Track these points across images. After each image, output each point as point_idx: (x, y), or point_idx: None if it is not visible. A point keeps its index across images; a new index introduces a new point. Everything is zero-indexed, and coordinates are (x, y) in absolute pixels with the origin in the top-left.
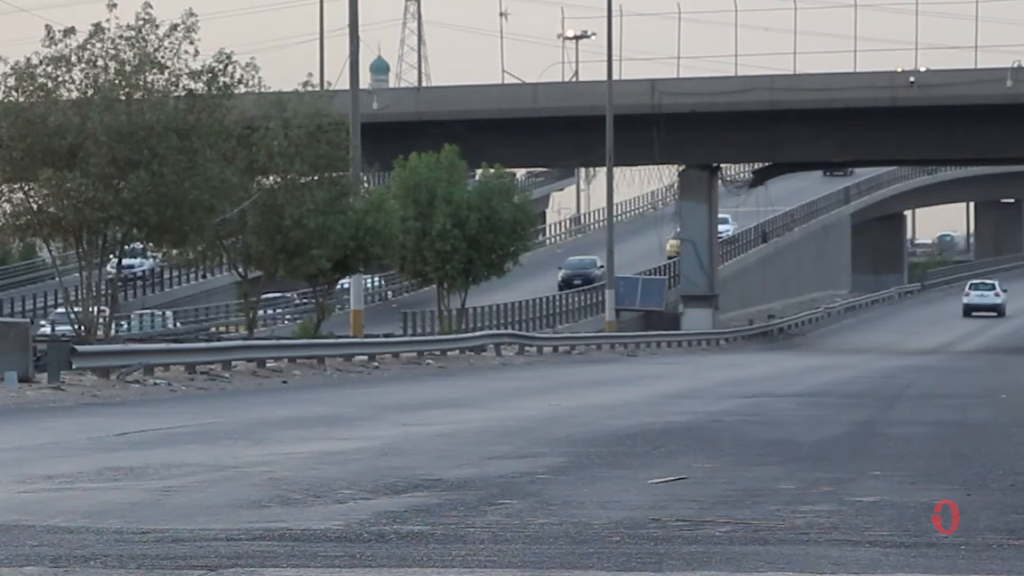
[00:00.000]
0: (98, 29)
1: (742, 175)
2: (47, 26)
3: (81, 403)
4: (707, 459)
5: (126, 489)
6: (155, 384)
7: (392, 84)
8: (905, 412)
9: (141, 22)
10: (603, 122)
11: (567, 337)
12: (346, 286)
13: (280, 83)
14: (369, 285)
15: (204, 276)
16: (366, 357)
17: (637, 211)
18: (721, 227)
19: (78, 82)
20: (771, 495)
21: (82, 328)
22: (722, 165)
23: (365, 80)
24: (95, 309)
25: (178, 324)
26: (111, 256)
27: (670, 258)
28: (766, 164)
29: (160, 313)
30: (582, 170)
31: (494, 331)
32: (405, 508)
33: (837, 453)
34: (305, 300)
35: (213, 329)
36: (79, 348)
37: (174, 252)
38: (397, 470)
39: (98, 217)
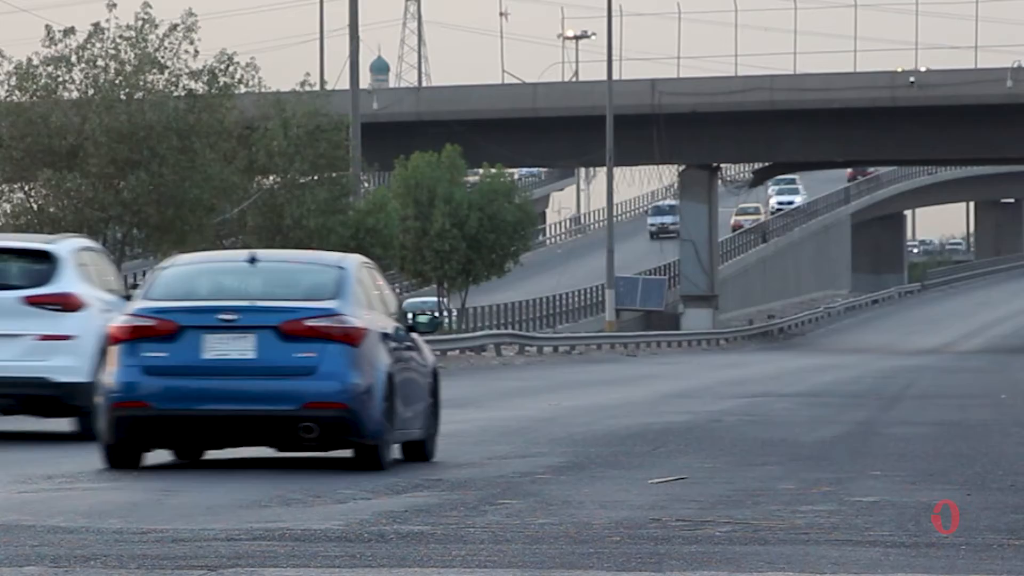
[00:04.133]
0: (97, 29)
1: (742, 175)
2: (47, 26)
3: None
4: (707, 459)
5: (126, 489)
6: None
7: (392, 84)
8: (905, 412)
9: (141, 22)
10: (603, 122)
11: (567, 337)
12: None
13: (280, 83)
14: None
15: None
16: None
17: (637, 211)
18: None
19: (78, 82)
20: (771, 495)
21: None
22: (722, 165)
23: (365, 80)
24: None
25: None
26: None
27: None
28: (766, 164)
29: None
30: (582, 170)
31: (494, 331)
32: (405, 508)
33: (837, 453)
34: None
35: None
36: None
37: (174, 252)
38: (397, 470)
39: (98, 217)
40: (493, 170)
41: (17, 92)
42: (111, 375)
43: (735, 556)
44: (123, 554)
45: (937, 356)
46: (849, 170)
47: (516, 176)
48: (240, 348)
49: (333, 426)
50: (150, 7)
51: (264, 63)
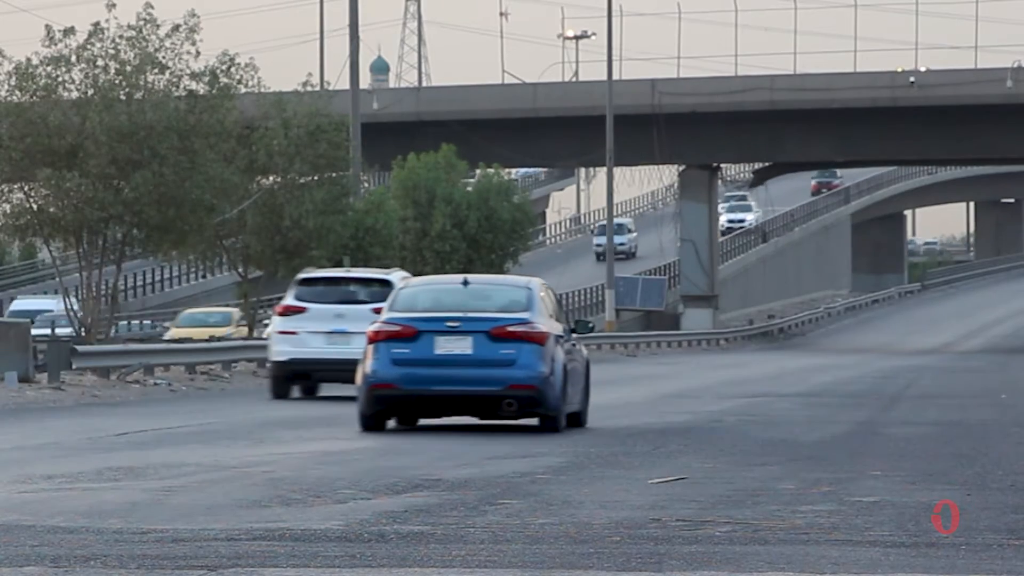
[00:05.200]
0: (97, 29)
1: (742, 175)
2: (47, 26)
3: (81, 403)
4: (707, 459)
5: (126, 489)
6: (155, 384)
7: (392, 84)
8: (905, 412)
9: (142, 22)
10: (603, 122)
11: None
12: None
13: (280, 83)
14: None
15: (204, 276)
16: None
17: (637, 211)
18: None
19: (78, 82)
20: (771, 495)
21: (82, 328)
22: (722, 165)
23: (365, 80)
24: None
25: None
26: (111, 256)
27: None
28: (766, 164)
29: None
30: (582, 170)
31: None
32: (405, 508)
33: (837, 453)
34: None
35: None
36: (79, 348)
37: (174, 252)
38: (397, 470)
39: (98, 217)
40: (490, 170)
41: (17, 92)
42: (369, 366)
43: (735, 556)
44: (123, 554)
45: (937, 356)
46: (813, 183)
47: (514, 176)
48: (461, 346)
49: (527, 402)
50: (151, 7)
51: (264, 63)
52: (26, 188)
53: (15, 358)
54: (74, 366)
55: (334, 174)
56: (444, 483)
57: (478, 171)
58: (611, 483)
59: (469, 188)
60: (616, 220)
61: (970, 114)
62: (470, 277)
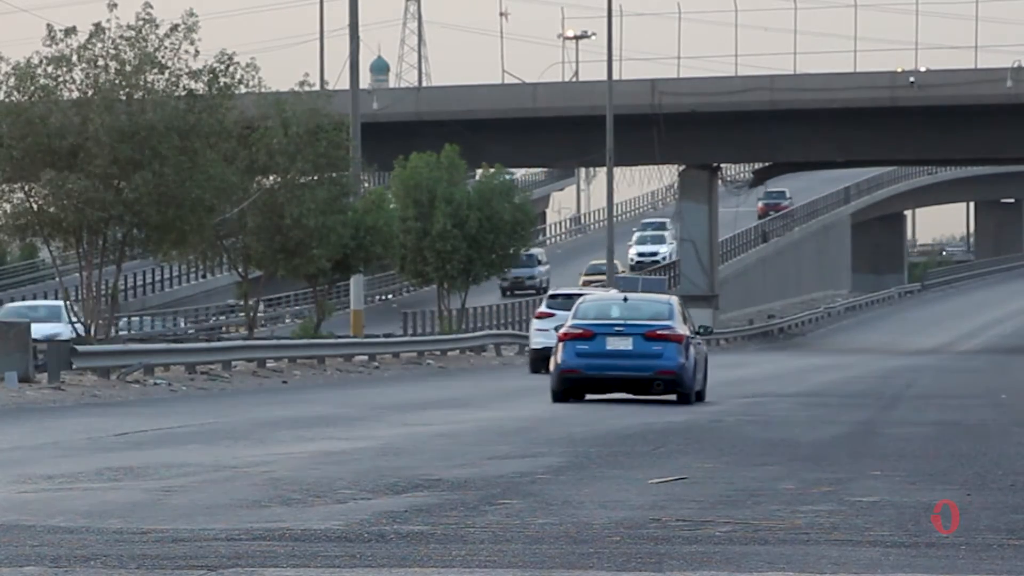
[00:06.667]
0: (98, 29)
1: (742, 175)
2: (48, 25)
3: (81, 403)
4: (707, 459)
5: (126, 489)
6: (155, 384)
7: (392, 84)
8: (905, 412)
9: (141, 22)
10: (603, 122)
11: None
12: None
13: (280, 83)
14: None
15: (204, 276)
16: (366, 357)
17: (637, 211)
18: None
19: (79, 82)
20: (771, 495)
21: (82, 328)
22: (722, 165)
23: (365, 80)
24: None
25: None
26: (111, 256)
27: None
28: (766, 164)
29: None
30: (582, 170)
31: (494, 331)
32: (405, 508)
33: (837, 453)
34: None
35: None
36: (79, 348)
37: (174, 252)
38: (397, 470)
39: (99, 217)
40: (492, 170)
41: (16, 93)
42: (559, 357)
43: (735, 556)
44: (123, 554)
45: (937, 356)
46: (760, 204)
47: (516, 176)
48: (624, 344)
49: (669, 383)
50: (150, 7)
51: (264, 63)
52: (26, 188)
53: (15, 358)
54: (74, 366)
55: (334, 174)
56: (444, 483)
57: (479, 171)
58: (611, 483)
59: (470, 188)
60: (527, 251)
61: (970, 114)
62: (629, 295)
